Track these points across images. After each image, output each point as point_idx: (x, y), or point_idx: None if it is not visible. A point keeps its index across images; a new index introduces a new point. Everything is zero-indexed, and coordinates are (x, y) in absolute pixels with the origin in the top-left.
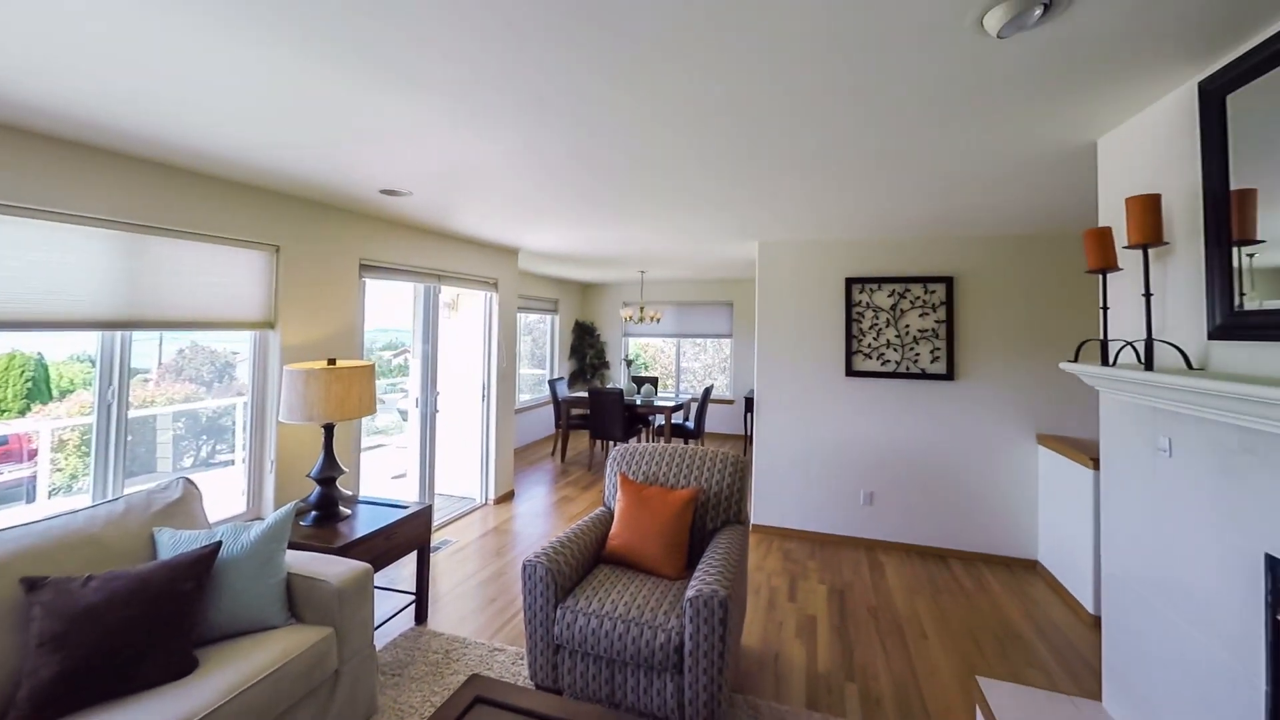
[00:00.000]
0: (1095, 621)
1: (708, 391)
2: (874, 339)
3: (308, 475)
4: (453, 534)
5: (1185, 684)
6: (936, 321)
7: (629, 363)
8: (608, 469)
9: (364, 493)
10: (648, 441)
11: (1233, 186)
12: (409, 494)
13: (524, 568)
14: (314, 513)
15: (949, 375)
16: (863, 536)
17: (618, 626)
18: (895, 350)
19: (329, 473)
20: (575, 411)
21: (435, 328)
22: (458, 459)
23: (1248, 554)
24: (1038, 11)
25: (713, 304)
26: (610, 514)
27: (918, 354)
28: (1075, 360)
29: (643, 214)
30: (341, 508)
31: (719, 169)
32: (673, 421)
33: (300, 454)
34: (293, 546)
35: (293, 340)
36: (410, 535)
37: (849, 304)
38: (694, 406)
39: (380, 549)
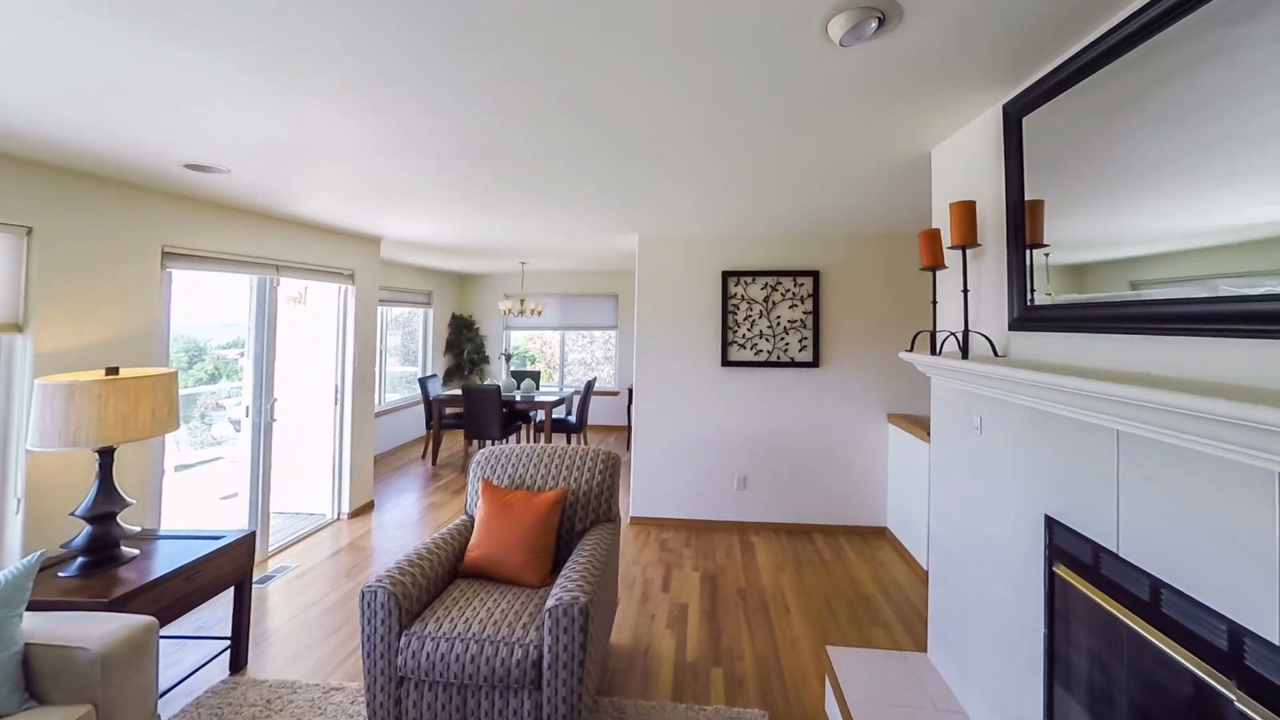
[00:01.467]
0: (928, 577)
1: (590, 384)
2: (748, 330)
3: (73, 514)
4: (295, 557)
5: (989, 631)
6: (804, 313)
7: (507, 357)
8: (470, 474)
9: (180, 522)
10: (528, 440)
11: (1027, 197)
12: (239, 517)
13: (362, 596)
14: (80, 559)
15: (815, 363)
16: (736, 520)
17: (470, 648)
18: (767, 340)
19: (105, 508)
20: (449, 410)
21: (272, 325)
22: (307, 471)
23: (1033, 516)
24: (873, 24)
25: (597, 296)
26: (472, 523)
27: (788, 344)
28: (911, 350)
29: (517, 204)
30: (124, 549)
31: (590, 161)
32: (554, 417)
33: (71, 486)
34: (42, 607)
35: (55, 346)
36: (225, 569)
37: (725, 296)
38: (577, 400)
39: (181, 592)
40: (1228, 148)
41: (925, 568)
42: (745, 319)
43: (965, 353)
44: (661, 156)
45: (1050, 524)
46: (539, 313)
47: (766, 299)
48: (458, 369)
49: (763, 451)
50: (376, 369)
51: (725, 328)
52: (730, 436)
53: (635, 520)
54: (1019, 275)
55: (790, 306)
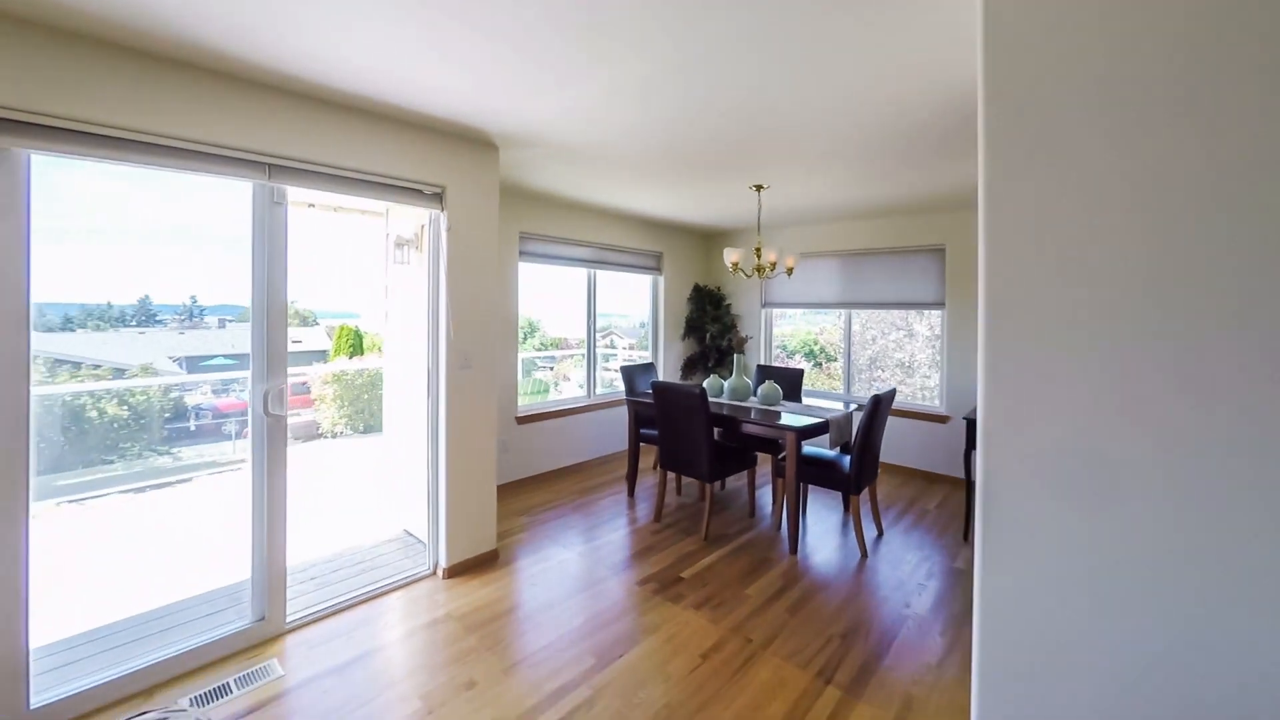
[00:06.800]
0: None
1: (881, 401)
2: None
3: None
4: (325, 643)
5: None
6: None
7: (739, 345)
8: None
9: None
10: (773, 490)
11: None
12: (238, 567)
13: None
14: None
15: None
16: None
17: None
18: None
19: None
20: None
21: (275, 261)
22: (407, 489)
23: None
24: None
25: (906, 251)
26: None
27: None
28: None
29: None
30: None
31: None
32: (804, 453)
33: None
34: None
35: None
36: None
37: None
38: (856, 425)
39: None
40: None
41: None
42: None
43: None
44: None
45: None
46: (790, 270)
47: None
48: (700, 358)
49: None
50: (515, 344)
51: None
52: None
53: None
54: None
55: None
